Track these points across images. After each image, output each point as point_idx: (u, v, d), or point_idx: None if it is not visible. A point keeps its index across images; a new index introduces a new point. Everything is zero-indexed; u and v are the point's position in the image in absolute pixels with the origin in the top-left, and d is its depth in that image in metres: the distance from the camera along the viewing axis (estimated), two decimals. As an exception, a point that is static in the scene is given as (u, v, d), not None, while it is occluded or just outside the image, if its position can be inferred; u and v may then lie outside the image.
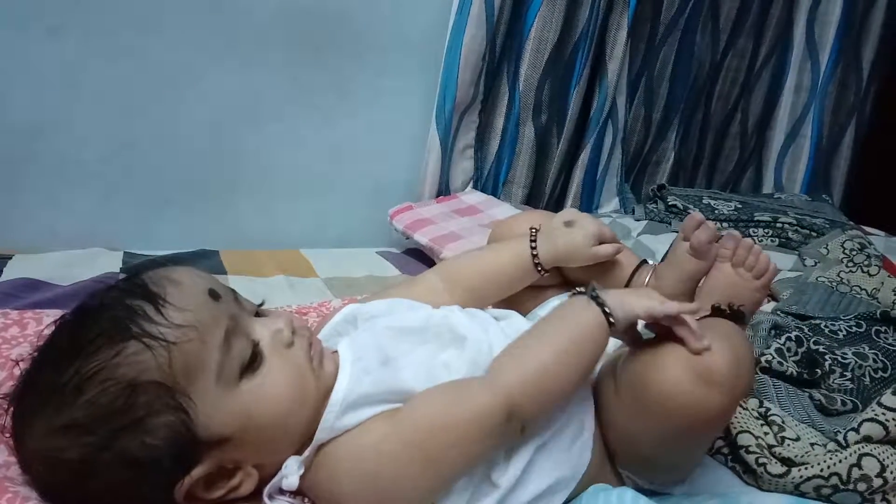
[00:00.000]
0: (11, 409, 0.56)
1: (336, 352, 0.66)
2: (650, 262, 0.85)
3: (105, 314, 0.55)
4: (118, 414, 0.52)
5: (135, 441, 0.53)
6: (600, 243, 0.81)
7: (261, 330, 0.61)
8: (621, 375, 0.64)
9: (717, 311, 0.68)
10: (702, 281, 0.82)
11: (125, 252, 1.22)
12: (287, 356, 0.61)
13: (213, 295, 0.59)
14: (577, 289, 0.65)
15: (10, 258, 1.12)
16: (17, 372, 0.58)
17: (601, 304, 0.61)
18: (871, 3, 1.87)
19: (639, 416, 0.61)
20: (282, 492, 0.60)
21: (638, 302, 0.61)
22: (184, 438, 0.54)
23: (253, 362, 0.59)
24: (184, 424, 0.54)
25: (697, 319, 0.60)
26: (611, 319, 0.61)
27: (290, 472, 0.59)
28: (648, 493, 0.69)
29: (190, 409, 0.54)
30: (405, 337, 0.68)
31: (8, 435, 0.57)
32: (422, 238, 1.34)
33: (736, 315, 0.68)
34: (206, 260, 1.24)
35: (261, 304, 0.66)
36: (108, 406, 0.52)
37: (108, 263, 1.15)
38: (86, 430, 0.52)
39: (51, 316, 0.89)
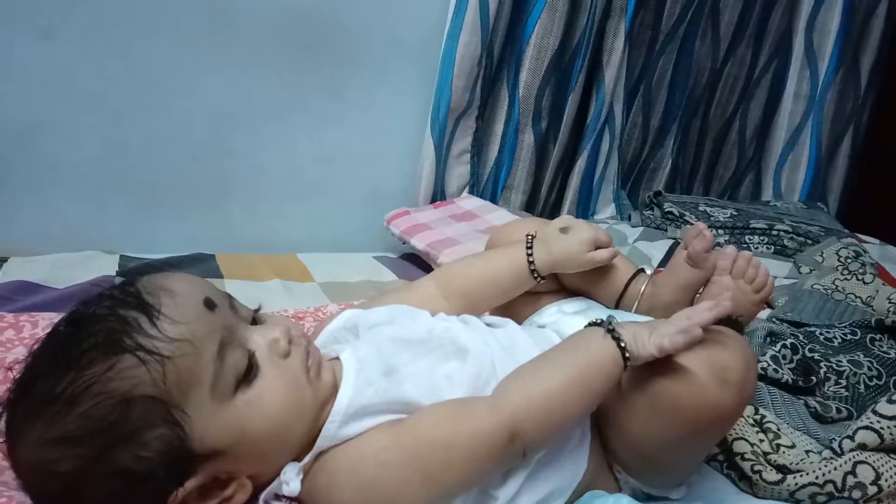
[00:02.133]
0: (5, 416, 0.55)
1: (336, 359, 0.65)
2: (647, 270, 0.85)
3: (98, 325, 0.54)
4: (112, 427, 0.52)
5: (128, 454, 0.52)
6: (596, 249, 0.81)
7: (257, 339, 0.60)
8: (631, 376, 0.63)
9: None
10: (701, 291, 0.82)
11: (121, 255, 1.22)
12: (283, 367, 0.60)
13: (209, 304, 0.58)
14: (595, 319, 0.64)
15: (6, 261, 1.12)
16: (12, 375, 0.57)
17: (617, 339, 0.61)
18: (870, 12, 1.88)
19: (648, 415, 0.61)
20: (277, 497, 0.60)
21: (651, 340, 0.60)
22: (178, 451, 0.54)
23: (248, 373, 0.58)
24: (178, 438, 0.53)
25: None
26: (626, 354, 0.60)
27: (291, 479, 0.58)
28: (644, 499, 0.69)
29: (184, 423, 0.54)
30: (408, 348, 0.67)
31: (2, 440, 0.57)
32: (418, 243, 1.34)
33: (733, 325, 0.68)
34: (202, 264, 1.24)
35: (257, 309, 0.65)
36: (102, 419, 0.52)
37: (104, 266, 1.15)
38: (79, 442, 0.52)
39: (46, 319, 0.89)
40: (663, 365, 0.60)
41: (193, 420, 0.54)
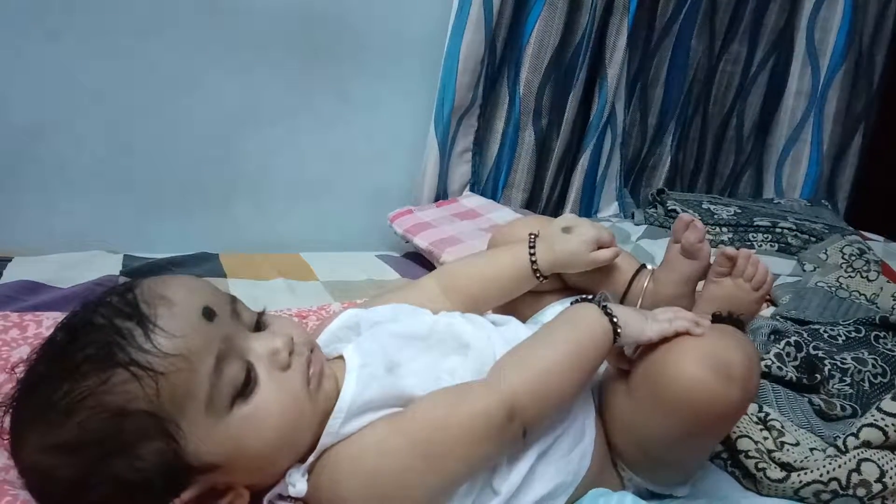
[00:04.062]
0: (9, 416, 0.56)
1: (339, 357, 0.65)
2: (648, 266, 0.85)
3: (93, 336, 0.54)
4: (107, 439, 0.52)
5: (124, 465, 0.52)
6: (599, 248, 0.81)
7: (256, 350, 0.59)
8: (635, 374, 0.64)
9: (717, 319, 0.69)
10: (700, 287, 0.83)
11: (125, 255, 1.22)
12: (282, 381, 0.59)
13: (207, 314, 0.57)
14: (586, 296, 0.65)
15: (10, 260, 1.12)
16: (16, 375, 0.57)
17: (610, 315, 0.62)
18: (883, 9, 1.87)
19: (656, 413, 0.62)
20: (282, 498, 0.60)
21: (649, 325, 0.63)
22: (173, 464, 0.54)
23: (246, 387, 0.57)
24: (173, 451, 0.53)
25: None
26: (618, 330, 0.62)
27: (297, 481, 0.58)
28: (649, 497, 0.69)
29: (179, 437, 0.53)
30: (410, 344, 0.67)
31: (7, 438, 0.57)
32: (421, 242, 1.35)
33: (735, 323, 0.68)
34: (205, 263, 1.24)
35: (262, 312, 0.64)
36: (97, 431, 0.52)
37: (108, 266, 1.15)
38: (76, 451, 0.52)
39: (50, 318, 0.90)
40: (667, 362, 0.61)
41: (188, 435, 0.54)
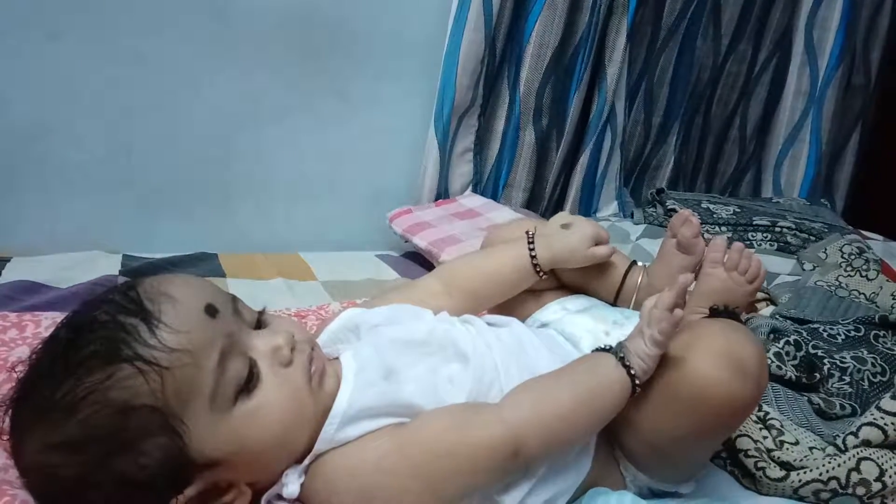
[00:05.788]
0: (9, 416, 0.56)
1: (336, 359, 0.65)
2: (639, 263, 0.86)
3: (98, 332, 0.54)
4: (111, 436, 0.52)
5: (128, 462, 0.52)
6: (596, 245, 0.81)
7: (259, 346, 0.59)
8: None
9: (714, 313, 0.69)
10: (695, 282, 0.83)
11: (124, 255, 1.22)
12: (284, 377, 0.59)
13: (210, 311, 0.57)
14: (606, 346, 0.65)
15: (9, 261, 1.12)
16: (15, 375, 0.57)
17: (627, 367, 0.61)
18: (877, 8, 1.87)
19: (669, 412, 0.62)
20: (280, 497, 0.60)
21: (657, 342, 0.61)
22: (177, 460, 0.53)
23: (249, 383, 0.57)
24: (177, 447, 0.53)
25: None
26: (637, 382, 0.61)
27: (291, 482, 0.58)
28: (649, 496, 0.69)
29: (183, 433, 0.53)
30: (409, 349, 0.67)
31: (6, 438, 0.57)
32: (421, 241, 1.35)
33: (732, 315, 0.69)
34: (205, 263, 1.24)
35: (262, 311, 0.64)
36: (101, 428, 0.52)
37: (107, 266, 1.15)
38: (79, 449, 0.52)
39: (49, 318, 0.90)
40: (681, 363, 0.61)
41: (192, 430, 0.54)
